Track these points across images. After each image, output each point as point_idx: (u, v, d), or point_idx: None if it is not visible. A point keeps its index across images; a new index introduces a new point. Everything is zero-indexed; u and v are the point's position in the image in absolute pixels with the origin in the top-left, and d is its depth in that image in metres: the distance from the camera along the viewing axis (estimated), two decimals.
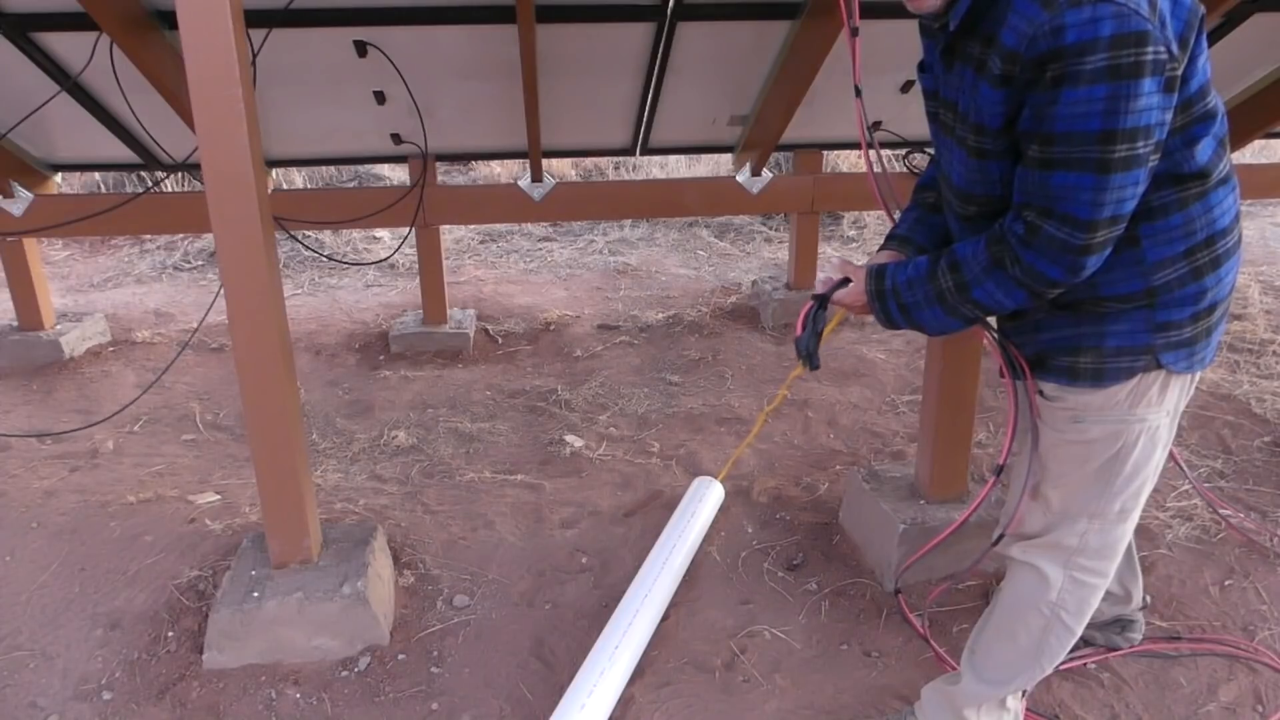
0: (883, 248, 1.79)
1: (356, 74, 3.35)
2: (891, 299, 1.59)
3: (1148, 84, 1.24)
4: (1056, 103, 1.27)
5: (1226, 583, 2.44)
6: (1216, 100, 1.43)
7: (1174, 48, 1.26)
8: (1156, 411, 1.53)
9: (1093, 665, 2.12)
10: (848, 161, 6.65)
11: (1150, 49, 1.22)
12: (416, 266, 4.49)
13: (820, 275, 1.78)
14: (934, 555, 2.34)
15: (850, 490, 2.68)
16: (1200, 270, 1.45)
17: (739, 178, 4.07)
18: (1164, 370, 1.49)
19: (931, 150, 1.79)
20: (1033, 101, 1.31)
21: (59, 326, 4.16)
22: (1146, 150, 1.29)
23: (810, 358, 1.70)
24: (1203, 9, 1.34)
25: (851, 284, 1.69)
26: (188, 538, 2.63)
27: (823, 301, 1.73)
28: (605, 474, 3.08)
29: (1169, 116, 1.30)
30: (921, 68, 1.61)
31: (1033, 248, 1.36)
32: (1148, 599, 2.33)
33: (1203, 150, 1.40)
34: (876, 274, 1.61)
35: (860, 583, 2.45)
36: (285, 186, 6.56)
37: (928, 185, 1.81)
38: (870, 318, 1.69)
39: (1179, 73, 1.28)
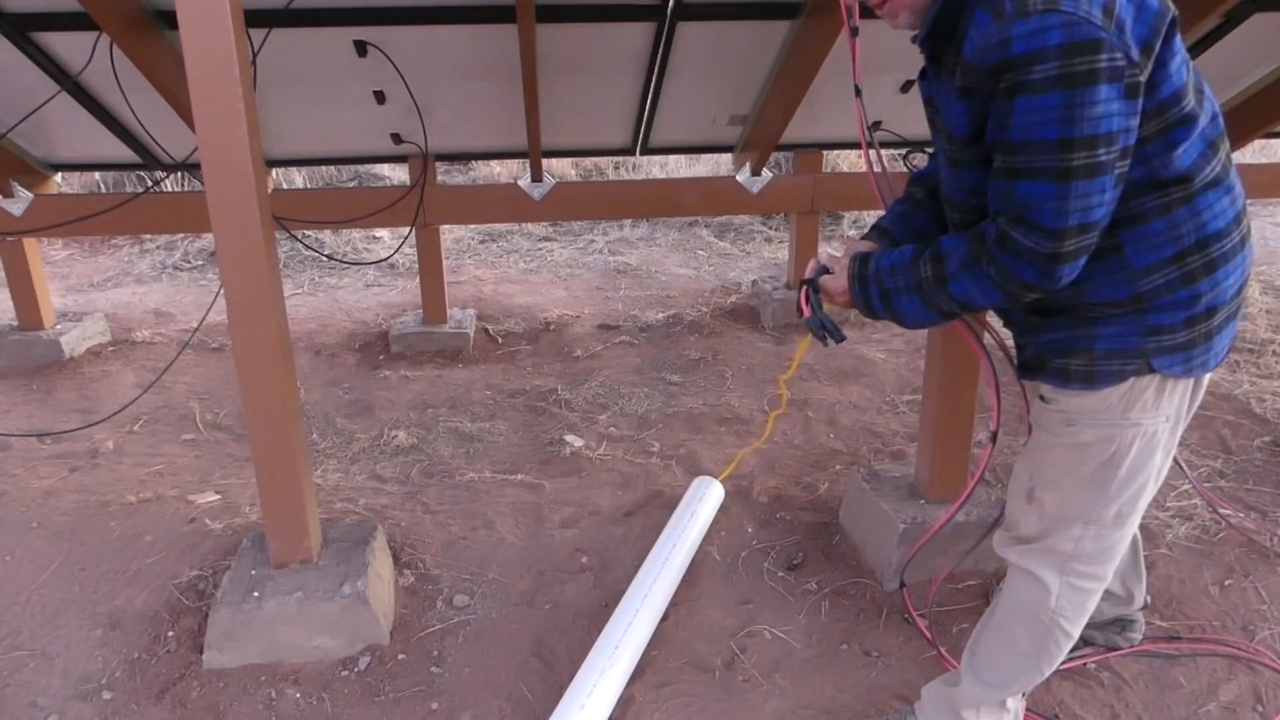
0: (864, 237, 1.80)
1: (356, 74, 3.35)
2: (873, 283, 1.58)
3: (1104, 90, 1.24)
4: (1013, 112, 1.28)
5: (1226, 583, 2.44)
6: (1208, 103, 1.41)
7: (1134, 53, 1.25)
8: (1153, 416, 1.51)
9: (1093, 665, 2.12)
10: (848, 161, 6.65)
11: (1104, 56, 1.22)
12: (416, 266, 4.48)
13: (810, 265, 1.79)
14: (934, 554, 2.35)
15: (850, 490, 2.68)
16: (1192, 275, 1.42)
17: (739, 177, 4.07)
18: (1158, 374, 1.47)
19: (931, 150, 1.80)
20: (994, 112, 1.32)
21: (59, 326, 4.16)
22: (1110, 157, 1.28)
23: (833, 331, 1.68)
24: (1174, 12, 1.32)
25: (835, 272, 1.70)
26: (188, 538, 2.63)
27: (812, 283, 1.74)
28: (605, 474, 3.08)
29: (1134, 123, 1.29)
30: (921, 75, 1.62)
31: (1004, 247, 1.36)
32: (1148, 599, 2.33)
33: (1184, 155, 1.37)
34: (860, 259, 1.62)
35: (860, 583, 2.45)
36: (285, 186, 6.56)
37: (920, 180, 1.82)
38: (853, 311, 1.68)
39: (1141, 79, 1.27)
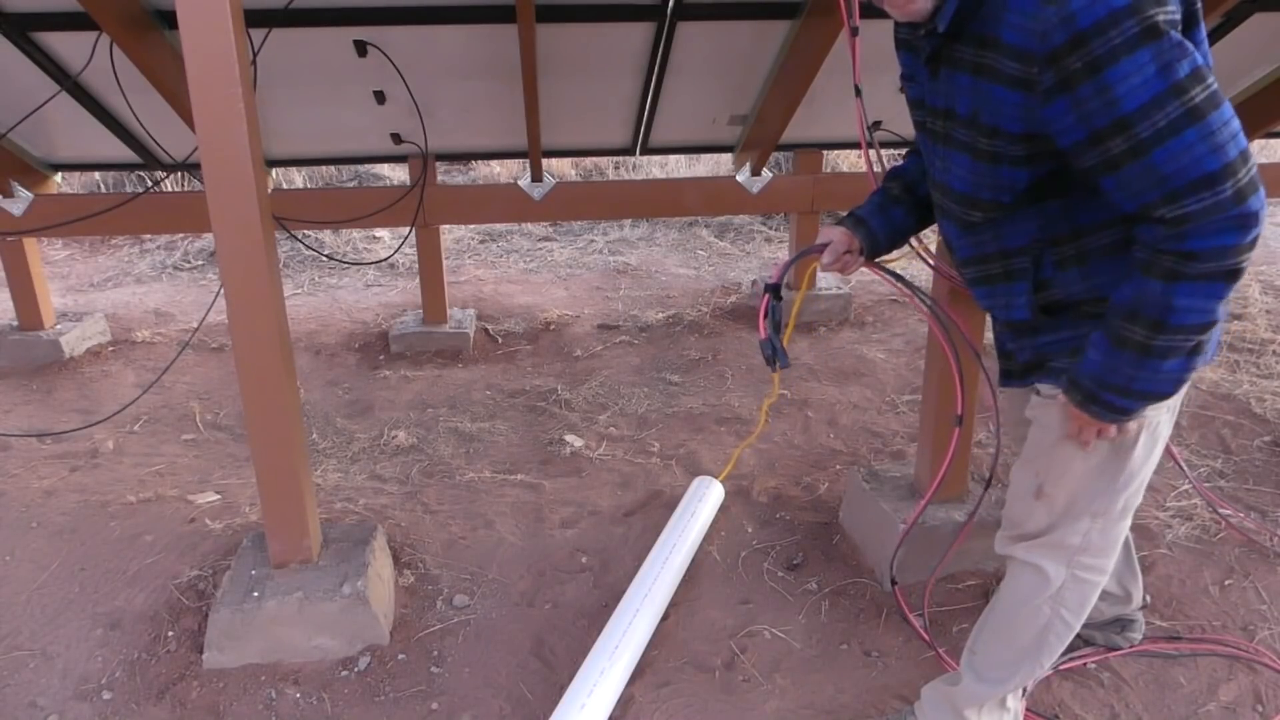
0: (839, 223, 1.80)
1: (356, 74, 3.35)
2: (1104, 392, 1.42)
3: (1176, 35, 1.21)
4: (1109, 88, 1.22)
5: (1226, 583, 2.44)
6: None
7: (1180, 12, 1.25)
8: (1156, 409, 1.52)
9: (1093, 665, 2.12)
10: (848, 161, 6.65)
11: (1168, 7, 1.21)
12: (416, 266, 4.49)
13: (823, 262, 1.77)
14: (933, 555, 2.35)
15: (850, 490, 2.68)
16: None
17: (739, 177, 4.07)
18: None
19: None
20: (1074, 105, 1.26)
21: (59, 326, 4.16)
22: (1217, 85, 1.23)
23: (778, 356, 1.65)
24: None
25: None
26: (188, 537, 2.63)
27: (775, 290, 1.71)
28: (605, 474, 3.08)
29: None
30: (905, 78, 1.61)
31: (1189, 234, 1.24)
32: (1148, 599, 2.33)
33: None
34: (1070, 385, 1.49)
35: (860, 583, 2.45)
36: (285, 186, 6.56)
37: (897, 175, 1.81)
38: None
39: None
